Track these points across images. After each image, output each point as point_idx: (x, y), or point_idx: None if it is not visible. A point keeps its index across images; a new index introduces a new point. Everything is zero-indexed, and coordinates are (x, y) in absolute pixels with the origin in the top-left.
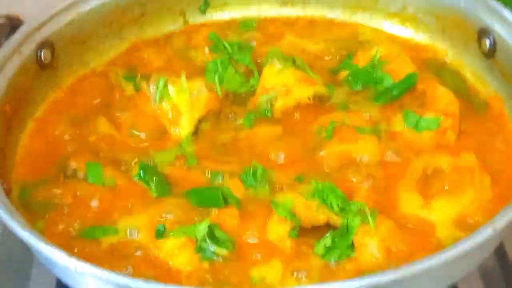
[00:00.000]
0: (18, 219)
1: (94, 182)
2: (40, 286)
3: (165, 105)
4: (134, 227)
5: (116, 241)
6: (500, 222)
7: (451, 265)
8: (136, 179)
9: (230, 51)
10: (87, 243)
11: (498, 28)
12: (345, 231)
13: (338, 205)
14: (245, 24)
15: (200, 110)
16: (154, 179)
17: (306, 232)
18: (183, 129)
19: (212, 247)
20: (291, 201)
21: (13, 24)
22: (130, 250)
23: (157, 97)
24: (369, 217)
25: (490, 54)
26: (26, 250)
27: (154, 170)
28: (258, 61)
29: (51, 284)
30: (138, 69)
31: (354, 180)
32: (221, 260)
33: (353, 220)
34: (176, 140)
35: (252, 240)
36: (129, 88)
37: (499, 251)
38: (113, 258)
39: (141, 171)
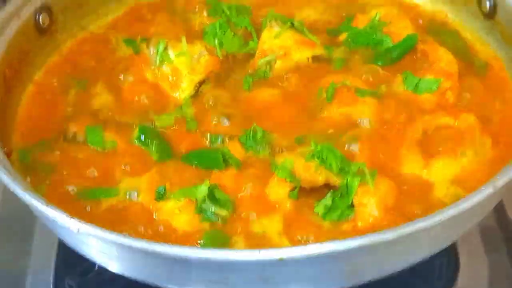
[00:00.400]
0: (20, 182)
1: (94, 145)
2: (43, 247)
3: (165, 68)
4: (134, 189)
5: (116, 203)
6: (500, 180)
7: (452, 223)
8: (136, 142)
9: (229, 14)
10: (88, 204)
11: None
12: (345, 191)
13: (337, 166)
14: None
15: (200, 73)
16: (155, 142)
17: (305, 193)
18: (183, 91)
19: (212, 208)
20: (290, 163)
21: None
22: (131, 211)
23: (158, 60)
24: (368, 177)
25: (490, 15)
26: (28, 211)
27: (155, 133)
28: (256, 24)
29: (53, 245)
30: (137, 32)
31: (353, 142)
32: (220, 221)
33: (352, 180)
34: (176, 103)
35: (252, 200)
36: (129, 51)
37: (498, 209)
38: (114, 219)
39: (141, 134)
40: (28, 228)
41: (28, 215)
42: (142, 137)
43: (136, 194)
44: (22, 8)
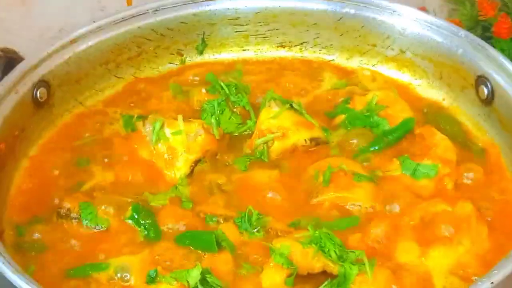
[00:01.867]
0: (9, 263)
1: (87, 222)
2: None
3: (161, 147)
4: (125, 271)
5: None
6: (497, 275)
7: None
8: (129, 221)
9: (228, 92)
10: (79, 285)
11: (496, 76)
12: (342, 280)
13: (335, 253)
14: (242, 65)
15: (197, 152)
16: (148, 221)
17: (302, 280)
18: (178, 170)
19: None
20: (288, 248)
21: (9, 57)
22: None
23: (154, 139)
24: (367, 266)
25: (488, 101)
26: None
27: (148, 213)
28: (255, 102)
29: None
30: (134, 109)
31: (351, 228)
32: None
33: (350, 269)
34: (170, 182)
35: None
36: (125, 128)
37: None
38: None
39: (134, 213)
40: None
41: None
42: (135, 216)
43: (128, 275)
44: (20, 82)
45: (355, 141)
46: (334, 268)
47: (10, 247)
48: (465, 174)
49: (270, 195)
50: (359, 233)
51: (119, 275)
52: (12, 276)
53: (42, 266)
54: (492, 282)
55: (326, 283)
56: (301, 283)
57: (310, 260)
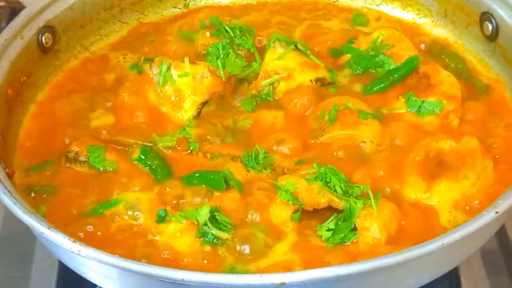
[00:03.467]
0: (20, 204)
1: (95, 165)
2: (43, 269)
3: (168, 89)
4: (136, 209)
5: (118, 225)
6: (502, 205)
7: (453, 248)
8: (137, 162)
9: (232, 35)
10: (90, 225)
11: (500, 11)
12: (348, 214)
13: (341, 188)
14: (246, 8)
15: (203, 94)
16: (155, 162)
17: (308, 215)
18: (185, 112)
19: (213, 231)
20: (293, 185)
21: (13, 7)
22: (132, 233)
23: (160, 81)
24: (372, 200)
25: (492, 37)
26: (28, 232)
27: (155, 154)
28: (259, 45)
29: (54, 266)
30: (140, 53)
31: (356, 164)
32: (221, 243)
33: (355, 203)
34: (178, 124)
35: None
36: (132, 71)
37: (500, 232)
38: (115, 241)
39: (141, 154)
40: (28, 249)
41: (28, 235)
42: (143, 157)
43: (138, 215)
44: (25, 27)
45: (361, 80)
46: (339, 203)
47: (20, 189)
48: (470, 109)
49: (276, 134)
50: (364, 168)
51: (130, 212)
52: (24, 216)
53: (53, 207)
54: (497, 212)
55: (332, 218)
56: (307, 218)
57: (316, 195)
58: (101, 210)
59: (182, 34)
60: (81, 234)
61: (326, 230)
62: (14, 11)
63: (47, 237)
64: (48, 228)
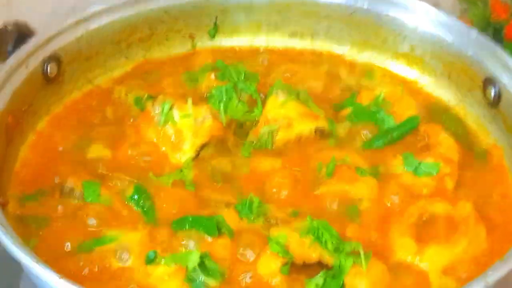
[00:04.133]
0: (11, 234)
1: (90, 201)
2: None
3: (169, 129)
4: (125, 250)
5: (107, 263)
6: (492, 277)
7: None
8: (128, 201)
9: (236, 79)
10: (78, 262)
11: (504, 78)
12: (337, 271)
13: (332, 244)
14: (252, 53)
15: (203, 137)
16: (147, 204)
17: (297, 269)
18: (184, 154)
19: (202, 278)
20: (285, 237)
21: (21, 31)
22: (121, 273)
23: (162, 120)
24: (362, 258)
25: (494, 103)
26: (15, 263)
27: (148, 195)
28: (262, 93)
29: None
30: (143, 89)
31: (349, 220)
32: None
33: (345, 260)
34: (175, 165)
35: (243, 273)
36: (133, 108)
37: None
38: (103, 280)
39: (135, 194)
40: (14, 281)
41: (15, 267)
42: (136, 197)
43: (127, 255)
44: (31, 56)
45: (365, 132)
46: (329, 259)
47: (13, 219)
48: (467, 174)
49: (272, 183)
50: (357, 224)
51: (119, 251)
52: (12, 247)
53: (44, 240)
54: (486, 283)
55: (321, 274)
56: (296, 272)
57: (307, 249)
58: (92, 246)
59: (186, 74)
60: (70, 270)
61: (315, 286)
62: (21, 35)
63: (34, 272)
64: (35, 263)
